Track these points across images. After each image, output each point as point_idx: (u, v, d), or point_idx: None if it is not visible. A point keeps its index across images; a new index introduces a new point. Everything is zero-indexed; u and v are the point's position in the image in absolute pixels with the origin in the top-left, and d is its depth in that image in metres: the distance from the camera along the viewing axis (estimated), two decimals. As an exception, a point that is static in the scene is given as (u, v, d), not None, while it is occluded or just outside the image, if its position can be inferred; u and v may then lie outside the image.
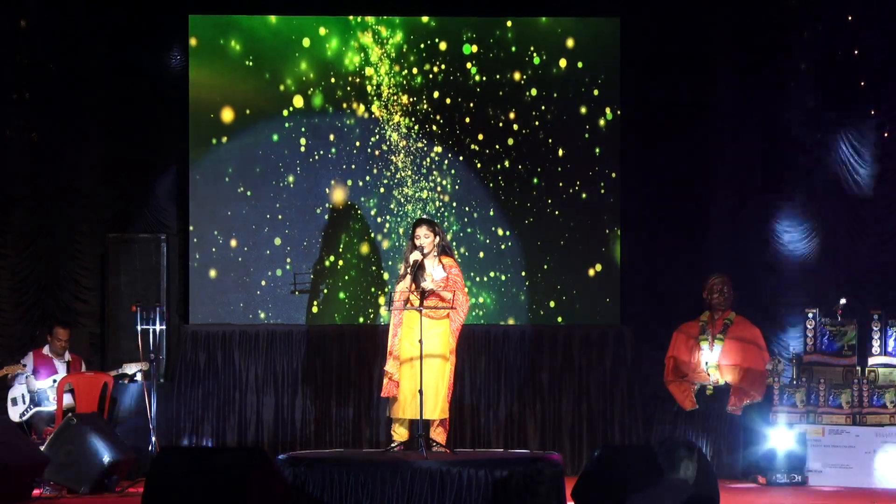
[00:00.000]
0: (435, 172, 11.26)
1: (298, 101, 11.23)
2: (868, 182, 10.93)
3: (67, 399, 10.10)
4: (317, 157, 11.27)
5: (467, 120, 11.29)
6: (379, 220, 11.26)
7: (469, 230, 11.26)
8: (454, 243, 10.91)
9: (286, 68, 11.23)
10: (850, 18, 11.08)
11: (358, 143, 11.27)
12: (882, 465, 9.61)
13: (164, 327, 10.54)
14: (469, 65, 11.29)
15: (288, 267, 11.19)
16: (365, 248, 11.25)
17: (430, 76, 11.28)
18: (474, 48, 11.31)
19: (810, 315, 10.14)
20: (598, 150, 11.32)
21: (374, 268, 11.22)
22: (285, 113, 11.23)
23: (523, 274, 11.27)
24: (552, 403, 11.03)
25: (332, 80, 11.25)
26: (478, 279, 11.20)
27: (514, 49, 11.32)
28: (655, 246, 11.28)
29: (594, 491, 7.30)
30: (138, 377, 10.39)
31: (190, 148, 11.22)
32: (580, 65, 11.32)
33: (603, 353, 11.11)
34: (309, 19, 11.25)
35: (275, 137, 11.24)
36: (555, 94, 11.31)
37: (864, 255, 10.97)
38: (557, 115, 11.31)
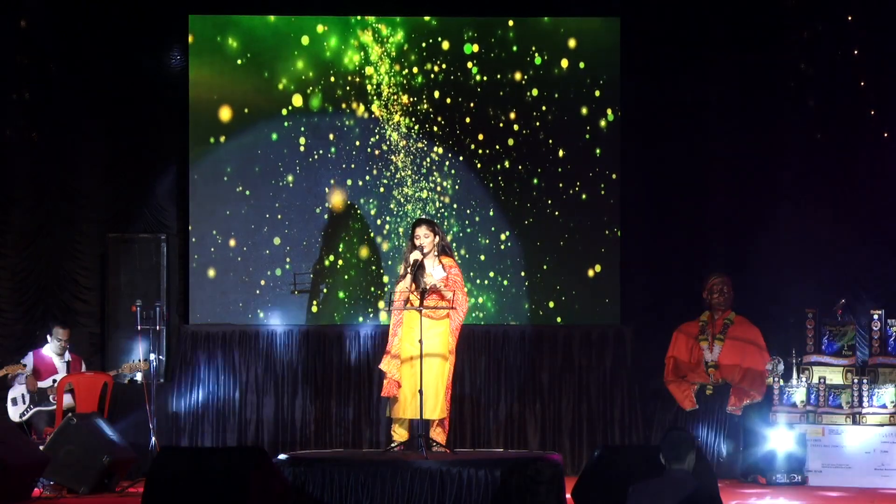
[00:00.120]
0: (435, 172, 11.25)
1: (298, 101, 11.23)
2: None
3: (67, 399, 10.10)
4: (316, 157, 11.26)
5: (468, 120, 11.29)
6: (378, 220, 11.25)
7: (469, 230, 11.25)
8: (454, 244, 10.91)
9: (285, 67, 11.22)
10: (850, 18, 11.08)
11: (358, 143, 11.27)
12: (882, 466, 9.62)
13: (164, 327, 10.53)
14: (470, 64, 11.29)
15: (287, 267, 11.19)
16: (364, 248, 11.24)
17: (431, 76, 11.27)
18: (475, 48, 11.30)
19: (810, 315, 10.14)
20: (598, 151, 11.32)
21: (373, 268, 11.22)
22: (284, 112, 11.23)
23: (523, 274, 11.27)
24: (552, 403, 11.02)
25: (332, 79, 11.25)
26: (478, 280, 11.19)
27: (515, 49, 11.31)
28: (655, 246, 11.27)
29: (594, 491, 7.30)
30: (138, 377, 10.40)
31: (190, 148, 11.22)
32: (582, 65, 11.31)
33: (603, 353, 11.11)
34: (308, 18, 11.25)
35: (274, 137, 11.24)
36: (556, 95, 11.31)
37: (865, 255, 10.96)
38: (558, 115, 11.31)
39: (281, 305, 11.18)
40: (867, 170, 11.10)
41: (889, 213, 10.94)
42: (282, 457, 7.95)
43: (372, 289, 11.20)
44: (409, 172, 11.25)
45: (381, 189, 11.26)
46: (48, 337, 10.52)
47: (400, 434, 8.64)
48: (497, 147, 11.28)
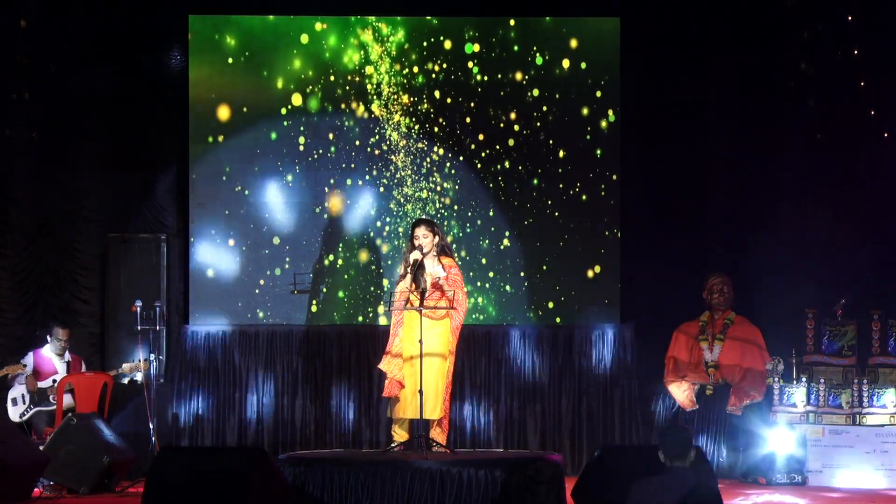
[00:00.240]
0: (435, 173, 11.25)
1: (297, 100, 11.22)
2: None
3: (67, 399, 10.09)
4: (316, 157, 11.26)
5: (468, 120, 11.28)
6: (378, 220, 11.25)
7: (469, 231, 11.25)
8: (454, 244, 10.90)
9: (285, 67, 11.22)
10: (850, 18, 11.08)
11: (357, 143, 11.27)
12: (882, 466, 9.62)
13: (163, 327, 10.53)
14: (471, 64, 11.28)
15: (287, 266, 11.19)
16: (364, 248, 11.24)
17: (432, 75, 11.27)
18: (476, 47, 11.30)
19: (810, 315, 10.14)
20: (598, 152, 11.31)
21: (373, 267, 11.22)
22: (284, 112, 11.23)
23: (523, 274, 11.27)
24: (552, 403, 11.02)
25: (332, 78, 11.24)
26: (477, 280, 11.19)
27: (516, 49, 11.31)
28: (655, 246, 11.27)
29: (594, 491, 7.31)
30: (138, 377, 10.40)
31: (189, 147, 11.22)
32: (583, 66, 11.31)
33: (603, 353, 11.11)
34: (308, 18, 11.24)
35: (273, 136, 11.24)
36: (557, 95, 11.30)
37: (864, 255, 10.96)
38: (559, 116, 11.30)
39: (281, 305, 11.18)
40: (867, 170, 11.10)
41: (889, 213, 10.94)
42: (282, 457, 7.96)
43: (372, 288, 11.20)
44: (409, 172, 11.25)
45: (381, 189, 11.26)
46: (48, 337, 10.51)
47: (400, 434, 8.64)
48: (497, 147, 11.28)
